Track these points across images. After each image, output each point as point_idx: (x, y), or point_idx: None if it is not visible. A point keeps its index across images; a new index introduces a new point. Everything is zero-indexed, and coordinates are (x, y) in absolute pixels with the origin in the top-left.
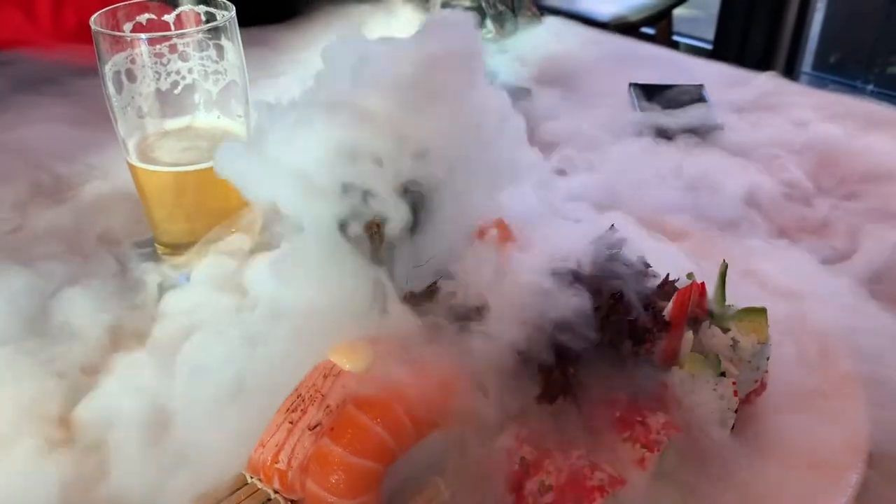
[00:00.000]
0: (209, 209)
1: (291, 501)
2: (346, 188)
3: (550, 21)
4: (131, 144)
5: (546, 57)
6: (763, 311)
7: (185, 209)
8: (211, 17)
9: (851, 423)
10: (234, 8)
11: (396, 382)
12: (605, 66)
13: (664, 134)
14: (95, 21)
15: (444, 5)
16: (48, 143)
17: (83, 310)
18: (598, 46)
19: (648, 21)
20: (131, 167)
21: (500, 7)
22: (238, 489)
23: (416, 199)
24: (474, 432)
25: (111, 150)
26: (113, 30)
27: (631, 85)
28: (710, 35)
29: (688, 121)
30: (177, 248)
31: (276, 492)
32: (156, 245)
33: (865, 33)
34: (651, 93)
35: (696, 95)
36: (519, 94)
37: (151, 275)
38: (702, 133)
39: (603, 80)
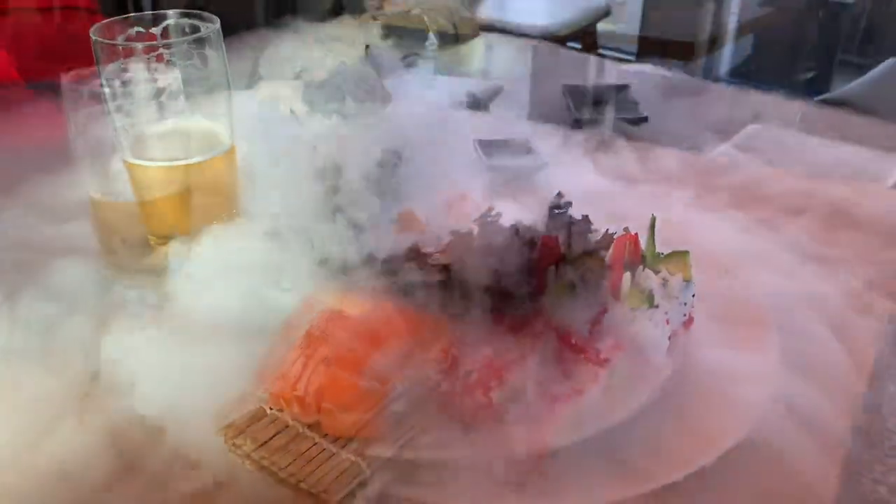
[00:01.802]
0: (198, 201)
1: (307, 425)
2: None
3: (487, 35)
4: (126, 144)
5: (488, 65)
6: (686, 253)
7: (175, 201)
8: (195, 29)
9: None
10: (219, 20)
11: (391, 321)
12: (542, 73)
13: (594, 126)
14: (95, 32)
15: (388, 24)
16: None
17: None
18: (535, 55)
19: (575, 35)
20: (126, 164)
21: (442, 22)
22: (259, 420)
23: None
24: (456, 361)
25: None
26: (108, 42)
27: (564, 86)
28: (634, 48)
29: (618, 114)
30: (168, 238)
31: (293, 419)
32: (148, 237)
33: (778, 40)
34: (583, 92)
35: (623, 92)
36: (467, 98)
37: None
38: (631, 124)
39: (540, 84)
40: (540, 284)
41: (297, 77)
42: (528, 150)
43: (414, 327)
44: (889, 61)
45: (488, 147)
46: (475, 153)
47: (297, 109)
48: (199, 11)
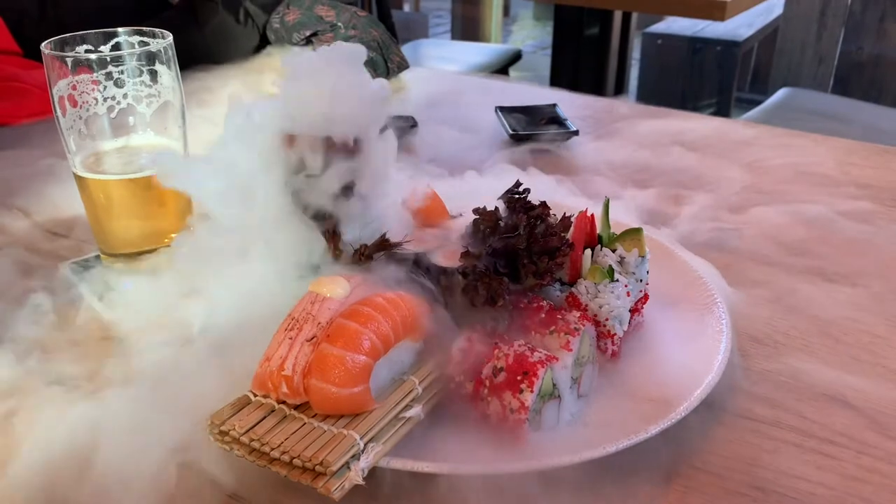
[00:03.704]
0: (150, 214)
1: (295, 407)
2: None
3: (415, 69)
4: (78, 160)
5: (422, 93)
6: (640, 230)
7: (128, 215)
8: (145, 46)
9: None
10: (171, 35)
11: (373, 301)
12: (473, 98)
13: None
14: (46, 47)
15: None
16: None
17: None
18: (464, 83)
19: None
20: (79, 179)
21: (371, 54)
22: (244, 406)
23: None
24: (437, 339)
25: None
26: (58, 59)
27: (497, 108)
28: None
29: (550, 129)
30: (121, 255)
31: (280, 402)
32: (101, 255)
33: (675, 81)
34: (515, 112)
35: (552, 111)
36: (406, 123)
37: (95, 284)
38: (563, 138)
39: (474, 107)
40: (574, 270)
41: (306, 44)
42: (554, 117)
43: (406, 308)
44: (781, 91)
45: (511, 115)
46: (497, 120)
47: None
48: (150, 28)
